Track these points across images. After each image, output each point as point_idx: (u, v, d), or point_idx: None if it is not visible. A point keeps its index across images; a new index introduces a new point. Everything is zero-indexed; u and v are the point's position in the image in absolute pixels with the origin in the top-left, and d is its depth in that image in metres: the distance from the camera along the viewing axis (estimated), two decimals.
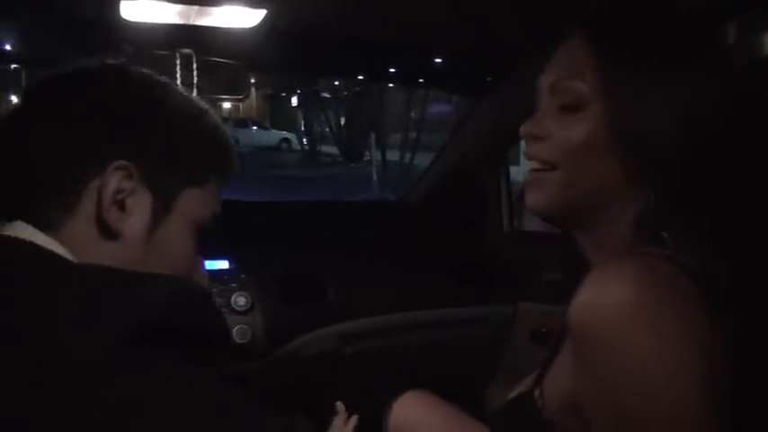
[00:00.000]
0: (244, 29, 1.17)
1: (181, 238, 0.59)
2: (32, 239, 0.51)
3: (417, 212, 1.67)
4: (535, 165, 0.68)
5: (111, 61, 0.59)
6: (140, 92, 0.58)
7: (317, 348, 1.32)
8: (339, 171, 13.80)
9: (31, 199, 0.53)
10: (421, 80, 2.38)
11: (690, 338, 0.54)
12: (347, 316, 1.36)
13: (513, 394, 0.75)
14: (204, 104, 0.63)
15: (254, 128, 19.16)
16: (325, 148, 18.01)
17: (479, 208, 1.69)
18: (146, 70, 0.61)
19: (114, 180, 0.54)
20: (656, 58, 0.62)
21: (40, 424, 0.40)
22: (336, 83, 16.31)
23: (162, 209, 0.57)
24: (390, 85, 13.10)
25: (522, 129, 0.68)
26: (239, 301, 1.26)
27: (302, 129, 19.39)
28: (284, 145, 19.24)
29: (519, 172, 2.60)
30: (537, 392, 0.67)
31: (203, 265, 0.68)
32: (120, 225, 0.54)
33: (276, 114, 21.87)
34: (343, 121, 16.85)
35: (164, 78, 0.61)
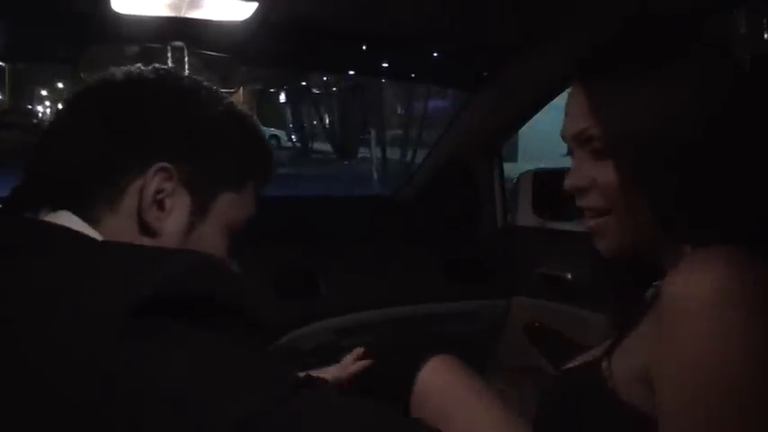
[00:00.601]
0: (235, 22, 1.20)
1: (214, 240, 0.62)
2: (69, 225, 0.54)
3: (411, 207, 1.71)
4: (591, 213, 0.73)
5: (159, 66, 0.63)
6: (186, 98, 0.61)
7: (313, 342, 1.35)
8: (333, 169, 13.69)
9: (78, 193, 0.57)
10: (414, 75, 2.41)
11: None
12: (341, 310, 1.40)
13: (575, 363, 0.79)
14: (245, 110, 0.67)
15: None
16: (317, 145, 17.97)
17: (473, 202, 1.73)
18: (194, 76, 0.65)
19: (155, 181, 0.57)
20: (645, 74, 0.67)
21: (60, 378, 0.43)
22: (326, 78, 16.29)
23: (199, 211, 0.60)
24: (383, 80, 13.12)
25: (566, 184, 0.74)
26: None
27: (291, 125, 19.34)
28: (273, 142, 19.18)
29: (514, 169, 2.63)
30: (605, 364, 0.71)
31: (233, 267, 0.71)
32: (159, 224, 0.58)
33: (264, 110, 21.83)
34: (335, 117, 16.81)
35: (209, 84, 0.64)
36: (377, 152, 12.86)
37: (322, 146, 17.43)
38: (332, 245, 1.47)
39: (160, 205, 0.58)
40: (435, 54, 1.63)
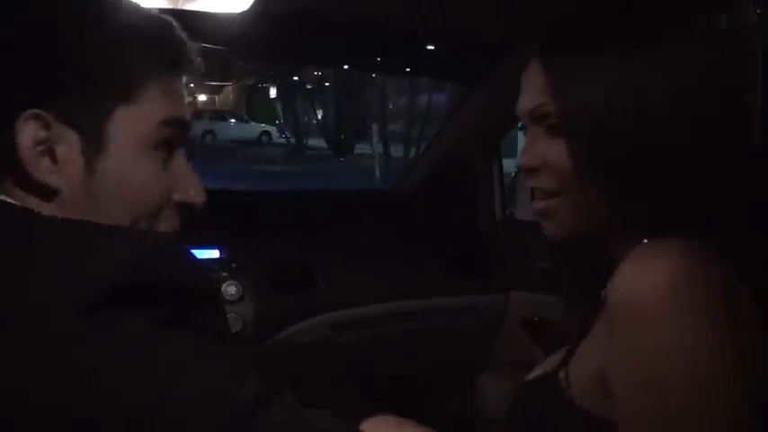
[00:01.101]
0: (233, 14, 1.21)
1: (133, 168, 0.54)
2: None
3: (409, 201, 1.73)
4: (540, 194, 0.71)
5: None
6: (41, 19, 0.53)
7: (309, 338, 1.37)
8: (328, 166, 13.60)
9: None
10: (411, 69, 2.42)
11: (729, 324, 0.57)
12: (338, 305, 1.42)
13: (533, 375, 0.78)
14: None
15: (232, 120, 19.00)
16: (312, 142, 17.91)
17: (471, 196, 1.75)
18: None
19: (29, 131, 0.51)
20: (604, 56, 0.67)
21: (13, 385, 0.42)
22: (318, 73, 16.24)
23: (93, 145, 0.53)
24: (378, 74, 13.04)
25: (520, 163, 0.72)
26: (230, 290, 1.30)
27: (281, 121, 19.26)
28: (264, 138, 19.11)
29: (513, 165, 2.64)
30: (562, 374, 0.70)
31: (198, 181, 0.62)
32: (54, 178, 0.52)
33: (255, 106, 21.73)
34: (330, 112, 16.75)
35: None
36: (379, 147, 12.71)
37: (317, 142, 17.39)
38: (329, 239, 1.49)
39: (52, 158, 0.52)
40: (433, 47, 1.64)
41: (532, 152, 0.70)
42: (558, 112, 0.67)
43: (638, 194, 0.64)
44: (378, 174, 11.47)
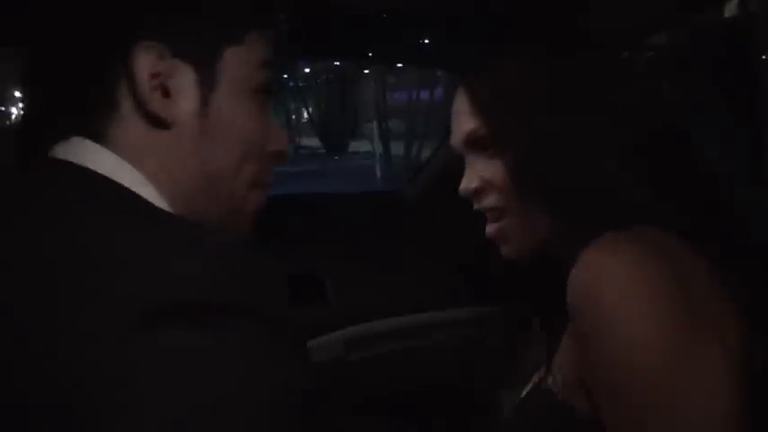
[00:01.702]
0: None
1: (240, 109, 0.57)
2: (86, 163, 0.50)
3: (419, 205, 1.67)
4: (491, 216, 0.74)
5: None
6: None
7: (321, 356, 1.31)
8: (323, 165, 13.54)
9: (72, 108, 0.52)
10: (405, 60, 2.38)
11: (690, 309, 0.57)
12: (349, 320, 1.36)
13: (525, 391, 0.80)
14: None
15: None
16: (304, 140, 17.92)
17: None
18: None
19: (145, 64, 0.52)
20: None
21: (56, 372, 0.40)
22: (309, 70, 16.21)
23: (208, 79, 0.55)
24: (366, 72, 12.99)
25: (460, 190, 0.76)
26: None
27: None
28: None
29: None
30: (551, 379, 0.71)
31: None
32: (168, 111, 0.53)
33: None
34: (323, 109, 16.73)
35: None
36: (379, 146, 12.53)
37: (310, 141, 17.39)
38: (338, 247, 1.44)
39: (164, 91, 0.53)
40: (430, 38, 1.60)
41: (471, 175, 0.74)
42: (488, 133, 0.71)
43: (575, 202, 0.66)
44: (378, 173, 11.33)
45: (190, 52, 0.53)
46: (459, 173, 1.66)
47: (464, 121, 0.74)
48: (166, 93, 0.53)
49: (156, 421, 0.39)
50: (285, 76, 16.55)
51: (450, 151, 1.69)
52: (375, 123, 12.95)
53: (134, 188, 0.51)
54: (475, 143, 0.73)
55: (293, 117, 18.40)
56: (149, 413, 0.39)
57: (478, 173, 0.74)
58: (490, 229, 0.75)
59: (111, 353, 0.40)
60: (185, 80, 0.54)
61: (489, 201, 0.73)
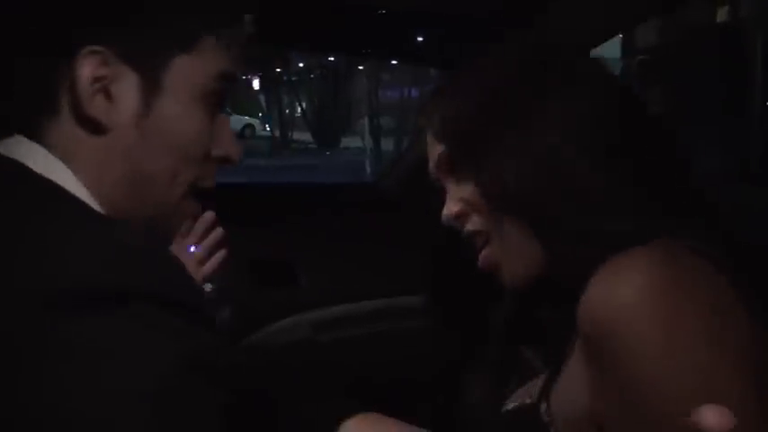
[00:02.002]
0: None
1: (185, 116, 0.56)
2: (22, 160, 0.52)
3: (393, 195, 1.70)
4: (479, 240, 0.71)
5: None
6: None
7: (290, 337, 1.34)
8: (314, 159, 13.52)
9: (15, 106, 0.54)
10: (398, 56, 2.40)
11: (720, 326, 0.54)
12: (320, 303, 1.39)
13: (512, 405, 0.75)
14: None
15: None
16: (297, 135, 17.89)
17: None
18: None
19: (87, 68, 0.52)
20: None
21: None
22: (302, 64, 16.19)
23: (151, 85, 0.54)
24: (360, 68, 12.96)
25: (443, 218, 0.73)
26: (205, 287, 1.27)
27: (262, 114, 19.21)
28: (248, 131, 19.06)
29: None
30: (543, 407, 0.67)
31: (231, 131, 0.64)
32: (108, 117, 0.53)
33: (237, 99, 21.66)
34: (315, 104, 16.72)
35: None
36: (369, 141, 12.64)
37: (302, 135, 17.37)
38: (311, 234, 1.46)
39: (106, 95, 0.53)
40: (422, 35, 1.62)
41: (450, 201, 0.72)
42: (458, 159, 0.69)
43: (553, 215, 0.63)
44: (368, 168, 11.42)
45: (136, 58, 0.54)
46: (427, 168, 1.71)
47: (431, 145, 0.74)
48: (109, 97, 0.53)
49: (59, 407, 0.41)
50: (279, 70, 16.53)
51: (422, 144, 1.73)
52: (366, 119, 12.96)
53: (66, 186, 0.52)
54: (446, 166, 0.72)
55: (287, 111, 18.37)
56: (53, 399, 0.41)
57: (456, 197, 0.71)
58: (481, 258, 0.71)
59: (14, 339, 0.42)
60: (128, 85, 0.54)
61: (472, 224, 0.70)
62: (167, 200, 0.58)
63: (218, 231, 1.03)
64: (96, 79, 0.52)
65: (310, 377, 1.35)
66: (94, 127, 0.53)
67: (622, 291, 0.55)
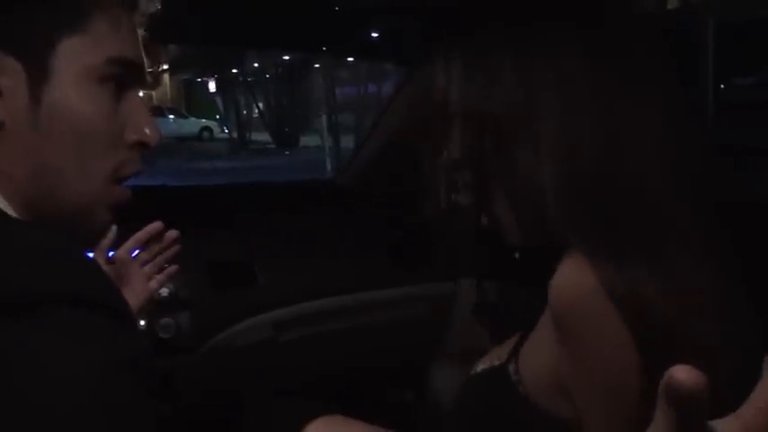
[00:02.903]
0: None
1: (82, 100, 0.53)
2: None
3: (351, 191, 1.70)
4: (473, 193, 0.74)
5: None
6: None
7: (251, 339, 1.33)
8: (273, 160, 13.40)
9: None
10: (353, 52, 2.39)
11: None
12: (279, 302, 1.38)
13: (481, 367, 0.77)
14: None
15: (171, 117, 18.61)
16: (255, 136, 17.74)
17: (415, 184, 1.73)
18: None
19: None
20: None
21: None
22: (257, 65, 16.06)
23: (38, 75, 0.51)
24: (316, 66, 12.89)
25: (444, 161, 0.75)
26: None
27: (220, 116, 19.03)
28: (206, 133, 18.84)
29: None
30: (512, 367, 0.70)
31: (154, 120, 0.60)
32: (0, 111, 0.50)
33: (194, 101, 21.36)
34: (272, 104, 16.59)
35: None
36: (328, 140, 12.59)
37: (260, 136, 17.22)
38: (269, 233, 1.45)
39: None
40: (376, 31, 1.62)
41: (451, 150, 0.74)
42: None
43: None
44: (329, 166, 11.39)
45: (19, 47, 0.50)
46: (386, 158, 1.72)
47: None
48: None
49: None
50: (235, 71, 16.36)
51: (377, 141, 1.75)
52: (325, 117, 12.94)
53: None
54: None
55: (244, 112, 18.21)
56: None
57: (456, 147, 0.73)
58: (484, 222, 0.75)
59: None
60: (14, 76, 0.50)
61: (464, 177, 0.74)
62: (82, 192, 0.54)
63: (173, 250, 0.99)
64: None
65: (273, 379, 1.35)
66: None
67: (586, 280, 0.59)
